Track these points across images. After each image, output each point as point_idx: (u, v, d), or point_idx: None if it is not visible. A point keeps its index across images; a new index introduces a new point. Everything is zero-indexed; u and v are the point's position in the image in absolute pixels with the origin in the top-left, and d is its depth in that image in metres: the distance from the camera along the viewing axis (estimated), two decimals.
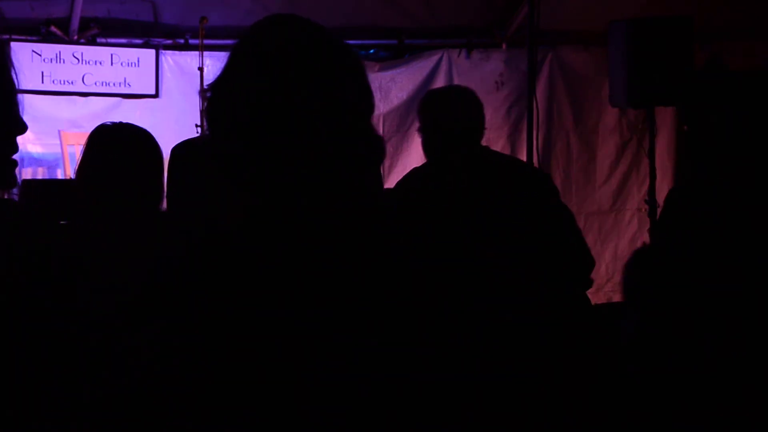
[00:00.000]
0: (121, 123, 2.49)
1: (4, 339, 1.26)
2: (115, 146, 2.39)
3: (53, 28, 5.75)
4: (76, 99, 5.94)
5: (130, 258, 2.18)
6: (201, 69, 5.52)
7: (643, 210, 5.78)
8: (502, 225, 2.82)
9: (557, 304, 2.89)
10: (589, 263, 3.01)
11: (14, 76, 1.41)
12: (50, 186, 4.61)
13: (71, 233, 2.35)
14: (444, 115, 3.02)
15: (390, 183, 4.81)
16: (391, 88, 6.23)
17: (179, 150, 2.53)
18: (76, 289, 1.45)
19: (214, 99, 1.36)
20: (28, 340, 1.29)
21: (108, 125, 2.47)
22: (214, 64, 5.80)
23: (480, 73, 6.12)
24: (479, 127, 3.05)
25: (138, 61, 5.97)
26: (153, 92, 6.03)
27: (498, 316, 2.70)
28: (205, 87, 1.66)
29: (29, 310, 1.30)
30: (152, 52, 5.99)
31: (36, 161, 5.75)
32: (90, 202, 2.34)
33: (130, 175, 2.33)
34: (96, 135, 2.44)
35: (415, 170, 3.28)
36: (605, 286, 5.97)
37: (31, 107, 5.88)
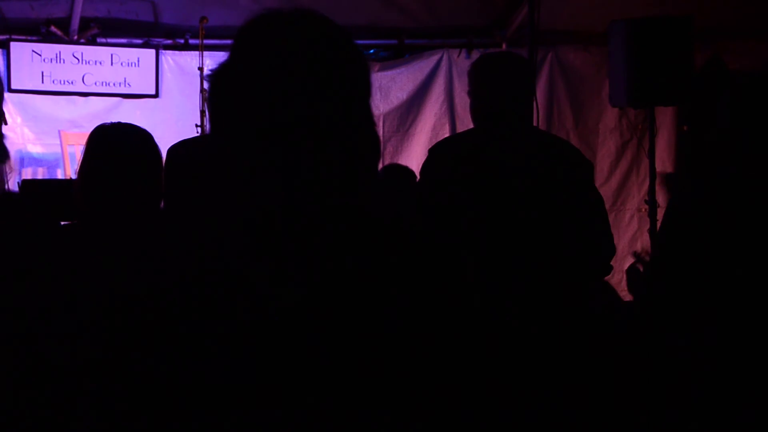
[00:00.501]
0: (120, 123, 2.49)
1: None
2: (116, 147, 2.40)
3: (53, 28, 5.74)
4: (76, 99, 5.94)
5: (130, 259, 2.19)
6: (201, 69, 5.52)
7: (643, 210, 5.78)
8: (538, 199, 2.80)
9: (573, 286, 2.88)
10: (611, 249, 3.00)
11: None
12: (50, 186, 4.60)
13: (72, 234, 2.35)
14: (496, 80, 2.95)
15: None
16: (391, 88, 6.23)
17: (176, 150, 2.53)
18: (75, 289, 1.45)
19: (219, 95, 1.35)
20: (24, 338, 1.29)
21: (107, 125, 2.47)
22: (214, 63, 5.76)
23: None
24: (530, 97, 2.99)
25: (138, 61, 5.97)
26: (153, 92, 6.03)
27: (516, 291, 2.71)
28: (208, 72, 1.68)
29: (27, 309, 1.30)
30: (152, 52, 5.99)
31: (36, 161, 5.75)
32: (91, 203, 2.34)
33: (130, 176, 2.34)
34: (96, 135, 2.44)
35: (456, 136, 3.21)
36: None
37: (31, 107, 5.89)
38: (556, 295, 2.80)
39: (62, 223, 2.55)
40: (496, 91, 2.93)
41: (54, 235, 1.46)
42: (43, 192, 4.11)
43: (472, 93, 3.01)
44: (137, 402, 1.30)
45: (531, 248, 2.77)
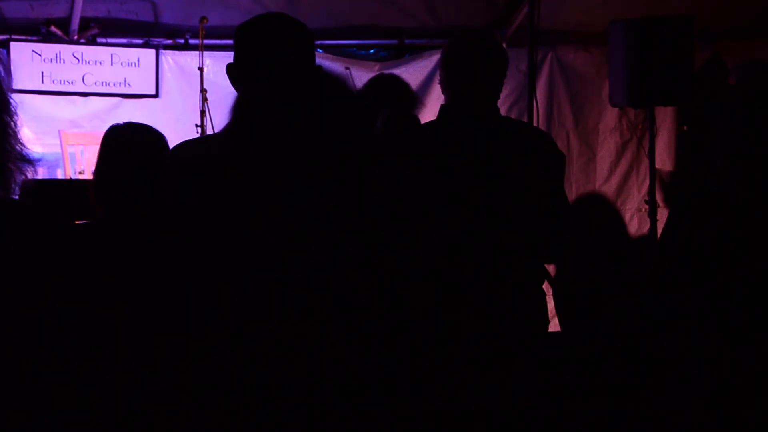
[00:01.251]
0: (132, 123, 2.53)
1: (20, 336, 1.26)
2: (130, 146, 2.43)
3: (53, 28, 5.74)
4: (76, 99, 5.94)
5: (146, 255, 2.20)
6: (201, 69, 5.52)
7: (643, 210, 5.78)
8: (502, 191, 2.78)
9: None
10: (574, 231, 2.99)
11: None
12: (50, 186, 4.60)
13: (88, 233, 2.37)
14: (464, 68, 2.87)
15: None
16: None
17: (180, 150, 2.53)
18: (91, 289, 1.46)
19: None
20: (42, 337, 1.28)
21: (121, 125, 2.51)
22: (214, 63, 5.80)
23: None
24: (499, 85, 2.91)
25: (138, 61, 5.97)
26: (153, 92, 6.03)
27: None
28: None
29: (46, 309, 1.30)
30: (152, 52, 5.99)
31: (36, 161, 5.73)
32: (107, 202, 2.37)
33: (145, 175, 2.36)
34: (112, 134, 2.47)
35: (425, 125, 3.15)
36: None
37: (31, 107, 5.88)
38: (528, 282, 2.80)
39: (80, 222, 2.58)
40: (460, 81, 2.86)
41: (73, 235, 1.47)
42: (43, 192, 4.11)
43: (443, 83, 2.94)
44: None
45: (502, 238, 2.75)
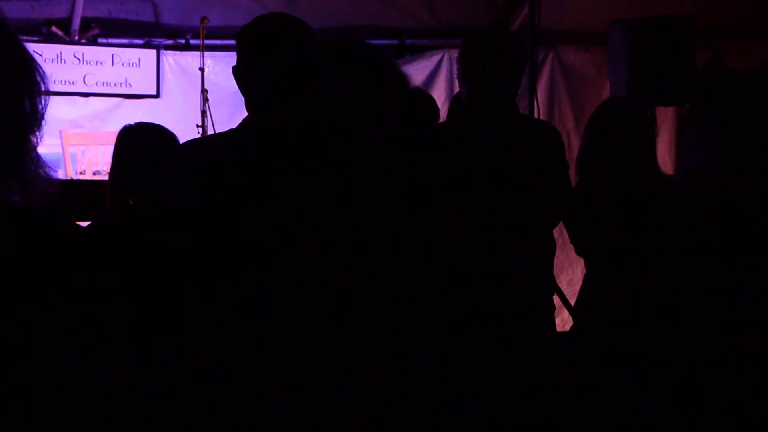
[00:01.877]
0: (143, 123, 2.55)
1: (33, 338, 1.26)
2: (144, 145, 2.44)
3: (54, 29, 5.75)
4: (76, 99, 5.95)
5: (154, 255, 2.21)
6: (202, 69, 5.52)
7: None
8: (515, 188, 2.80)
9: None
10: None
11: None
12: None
13: (99, 233, 2.38)
14: (471, 66, 2.87)
15: None
16: None
17: (184, 150, 2.54)
18: (101, 290, 1.46)
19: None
20: (55, 338, 1.28)
21: (133, 126, 2.53)
22: (215, 64, 5.80)
23: None
24: (512, 80, 2.92)
25: (139, 61, 5.98)
26: (154, 92, 6.03)
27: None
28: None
29: (58, 312, 1.30)
30: (153, 52, 6.00)
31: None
32: (122, 201, 2.38)
33: (157, 174, 2.38)
34: (124, 135, 2.49)
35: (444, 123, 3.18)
36: None
37: None
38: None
39: (88, 223, 2.60)
40: (469, 79, 2.87)
41: (84, 237, 1.48)
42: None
43: (460, 78, 2.94)
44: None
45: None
